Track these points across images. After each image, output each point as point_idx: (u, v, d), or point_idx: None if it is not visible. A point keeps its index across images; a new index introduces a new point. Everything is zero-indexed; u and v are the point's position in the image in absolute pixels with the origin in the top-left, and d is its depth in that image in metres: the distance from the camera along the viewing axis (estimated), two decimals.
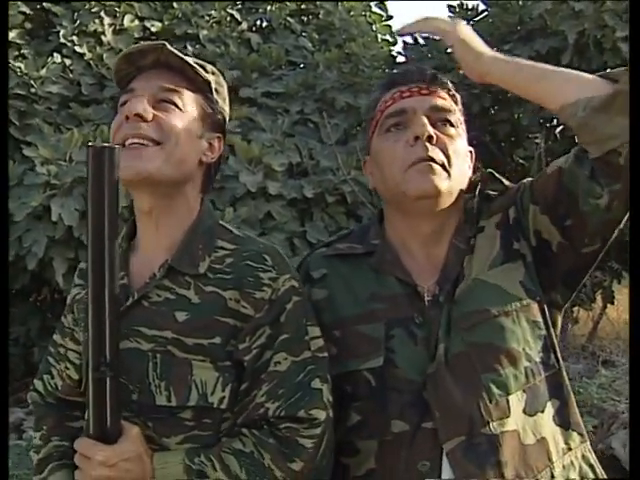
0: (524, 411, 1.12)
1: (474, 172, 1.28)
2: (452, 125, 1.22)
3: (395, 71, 1.46)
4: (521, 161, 4.75)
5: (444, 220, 1.22)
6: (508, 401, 1.11)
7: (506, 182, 1.27)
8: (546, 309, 1.18)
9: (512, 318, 1.14)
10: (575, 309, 5.03)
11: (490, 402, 1.10)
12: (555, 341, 1.19)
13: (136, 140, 1.08)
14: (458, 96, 1.28)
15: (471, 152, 1.28)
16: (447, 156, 1.18)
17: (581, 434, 1.18)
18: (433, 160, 1.16)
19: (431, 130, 1.18)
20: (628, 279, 4.03)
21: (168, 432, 1.07)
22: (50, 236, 3.45)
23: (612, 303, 5.03)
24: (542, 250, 1.18)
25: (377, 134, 1.24)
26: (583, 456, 1.18)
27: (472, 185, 1.26)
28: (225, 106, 1.21)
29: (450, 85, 1.27)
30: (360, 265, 1.24)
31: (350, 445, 1.15)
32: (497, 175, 1.27)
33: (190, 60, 1.15)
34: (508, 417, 1.10)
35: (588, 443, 1.20)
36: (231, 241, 1.15)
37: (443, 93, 1.23)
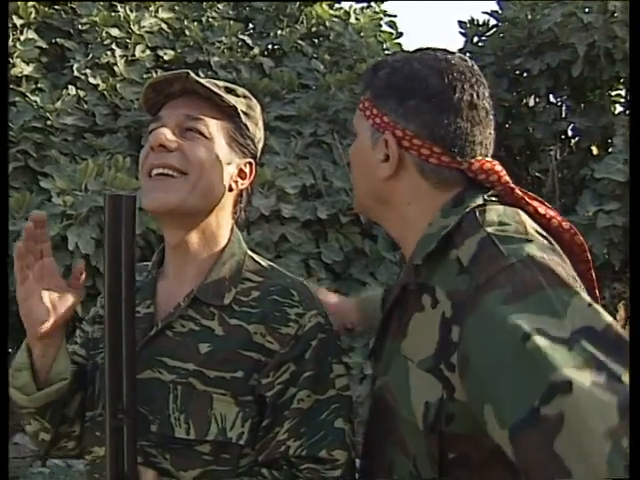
0: None
1: None
2: None
3: None
4: (537, 174, 4.72)
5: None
6: None
7: None
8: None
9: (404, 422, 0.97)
10: None
11: None
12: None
13: (161, 170, 1.08)
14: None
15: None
16: None
17: None
18: None
19: None
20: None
21: (185, 465, 1.05)
22: (67, 265, 3.48)
23: None
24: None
25: None
26: None
27: None
28: (257, 130, 1.19)
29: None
30: None
31: None
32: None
33: (218, 86, 1.14)
34: None
35: None
36: (258, 273, 1.14)
37: None
